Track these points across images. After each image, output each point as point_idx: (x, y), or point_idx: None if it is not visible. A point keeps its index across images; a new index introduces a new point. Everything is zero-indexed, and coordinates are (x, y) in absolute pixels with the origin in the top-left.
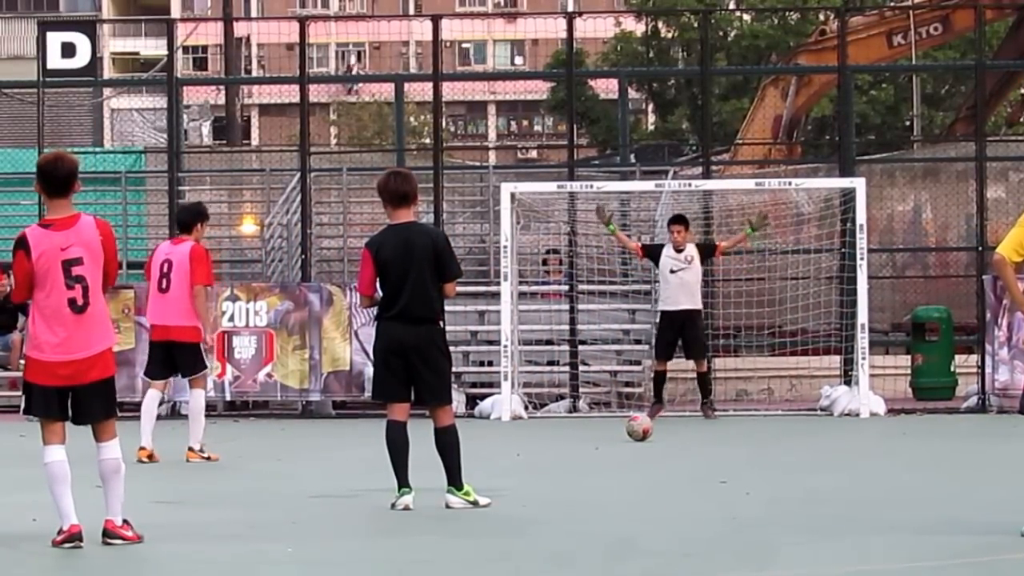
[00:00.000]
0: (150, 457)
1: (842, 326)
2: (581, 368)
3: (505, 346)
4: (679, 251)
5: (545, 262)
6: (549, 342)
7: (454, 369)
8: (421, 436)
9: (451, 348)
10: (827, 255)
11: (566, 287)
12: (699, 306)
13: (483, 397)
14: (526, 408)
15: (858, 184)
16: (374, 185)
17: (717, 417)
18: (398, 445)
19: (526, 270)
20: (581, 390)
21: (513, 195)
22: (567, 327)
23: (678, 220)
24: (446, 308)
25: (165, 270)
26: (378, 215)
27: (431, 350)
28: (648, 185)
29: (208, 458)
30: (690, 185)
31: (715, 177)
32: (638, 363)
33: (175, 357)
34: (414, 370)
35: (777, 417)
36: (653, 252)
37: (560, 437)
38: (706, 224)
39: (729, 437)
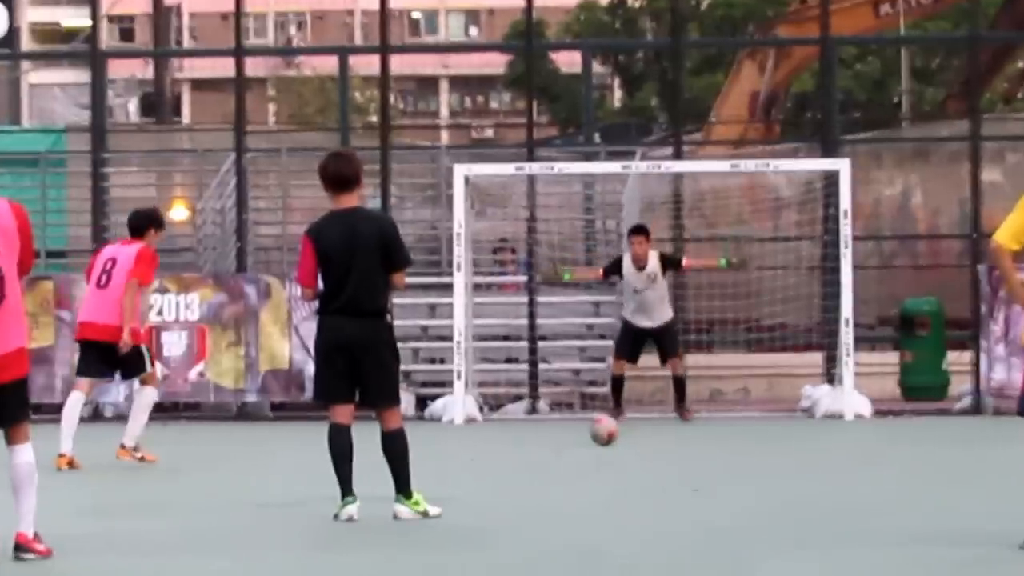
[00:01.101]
0: (70, 464)
1: (824, 320)
2: (541, 366)
3: (458, 342)
4: (641, 268)
5: (496, 251)
6: (506, 338)
7: (403, 367)
8: (367, 440)
9: (400, 344)
10: (808, 243)
11: (524, 277)
12: (668, 318)
13: (434, 398)
14: (481, 410)
15: (842, 166)
16: (316, 167)
17: (694, 418)
18: (342, 450)
19: (481, 259)
20: (541, 390)
21: (467, 178)
22: (525, 321)
23: (638, 231)
24: (394, 301)
25: (107, 267)
26: (320, 200)
27: (378, 346)
28: (614, 167)
29: (142, 459)
30: (659, 167)
31: (687, 158)
32: (603, 360)
33: (113, 358)
34: (359, 368)
35: (754, 420)
36: (614, 270)
37: (518, 441)
38: (676, 210)
39: (702, 441)
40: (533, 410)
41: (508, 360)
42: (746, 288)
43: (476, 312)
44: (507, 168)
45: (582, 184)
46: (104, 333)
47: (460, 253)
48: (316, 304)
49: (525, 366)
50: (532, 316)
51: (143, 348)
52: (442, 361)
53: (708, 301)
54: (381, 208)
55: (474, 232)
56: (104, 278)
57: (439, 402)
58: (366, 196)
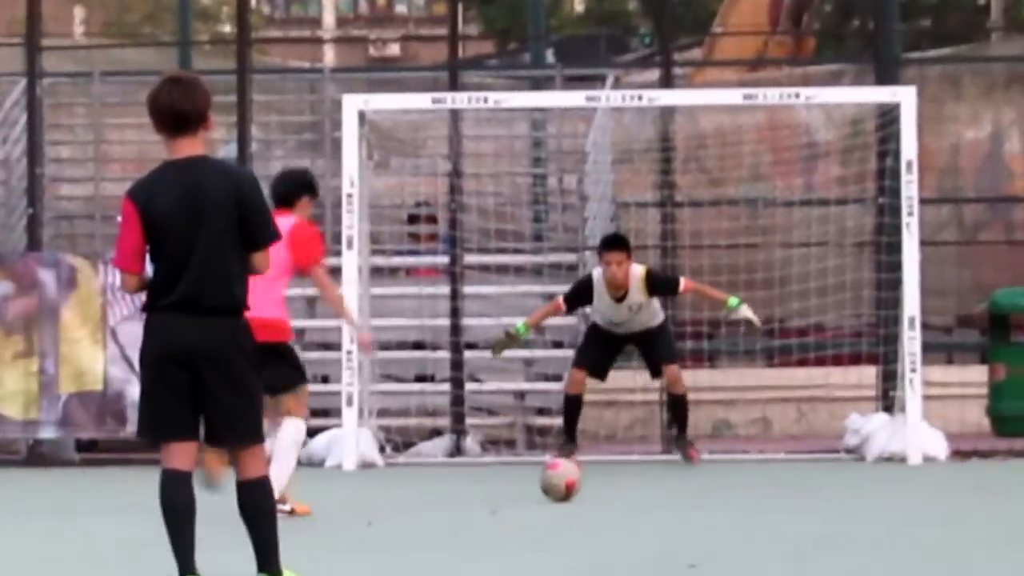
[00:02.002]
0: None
1: (879, 320)
2: (469, 386)
3: (349, 352)
4: (619, 299)
5: (413, 221)
6: (419, 346)
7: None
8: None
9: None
10: (856, 209)
11: (446, 259)
12: (658, 320)
13: (315, 433)
14: (382, 450)
15: (904, 97)
16: (143, 100)
17: (702, 461)
18: (180, 509)
19: (383, 232)
20: (469, 421)
21: (362, 115)
22: (447, 322)
23: (614, 245)
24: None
25: None
26: (150, 147)
27: (232, 359)
28: (575, 98)
29: (292, 511)
30: (640, 99)
31: (680, 86)
32: (558, 379)
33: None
34: (205, 391)
35: (777, 463)
36: (580, 299)
37: (437, 495)
38: (664, 162)
39: (701, 495)
40: (457, 450)
41: (422, 378)
42: (766, 274)
43: (376, 309)
44: (420, 100)
45: (529, 124)
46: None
47: (352, 223)
48: (143, 297)
49: (446, 387)
50: (457, 314)
51: (293, 349)
52: (326, 380)
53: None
54: (238, 159)
55: (373, 193)
56: None
57: (321, 439)
58: (217, 141)
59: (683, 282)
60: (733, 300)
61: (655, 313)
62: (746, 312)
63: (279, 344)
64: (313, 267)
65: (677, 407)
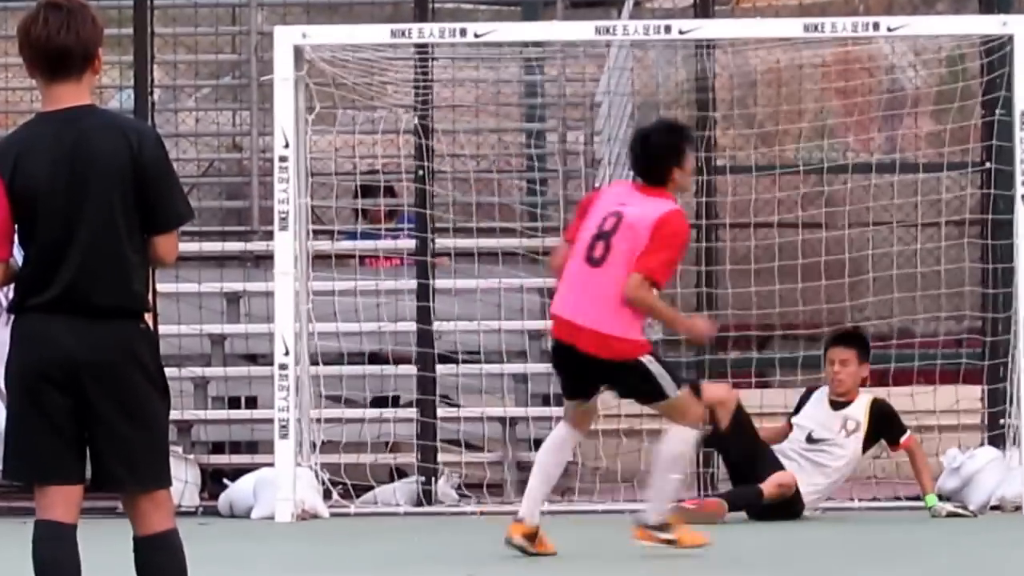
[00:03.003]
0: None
1: (985, 324)
2: (441, 411)
3: (284, 366)
4: (839, 406)
5: (366, 193)
6: (376, 358)
7: (175, 414)
8: (112, 549)
9: (170, 371)
10: (954, 176)
11: (411, 242)
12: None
13: (237, 474)
14: (328, 496)
15: (1018, 28)
16: (11, 32)
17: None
18: (57, 570)
19: (328, 209)
20: (441, 458)
21: (300, 52)
22: (413, 325)
23: (842, 341)
24: (159, 289)
25: (607, 228)
26: (20, 95)
27: (128, 376)
28: (582, 31)
29: (670, 542)
30: (669, 31)
31: (721, 14)
32: (559, 401)
33: (604, 378)
34: (92, 417)
35: (850, 515)
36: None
37: (399, 555)
38: (701, 118)
39: (752, 560)
40: (426, 496)
41: (380, 401)
42: (833, 261)
43: (320, 308)
44: (376, 33)
45: (520, 65)
46: (587, 340)
47: (288, 196)
48: (9, 294)
49: (411, 412)
50: (426, 316)
51: (649, 363)
52: (253, 403)
53: (761, 286)
54: (135, 111)
55: (315, 155)
56: (601, 248)
57: (246, 481)
58: (108, 88)
59: (906, 439)
60: (931, 499)
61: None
62: (949, 508)
63: (629, 362)
64: (644, 281)
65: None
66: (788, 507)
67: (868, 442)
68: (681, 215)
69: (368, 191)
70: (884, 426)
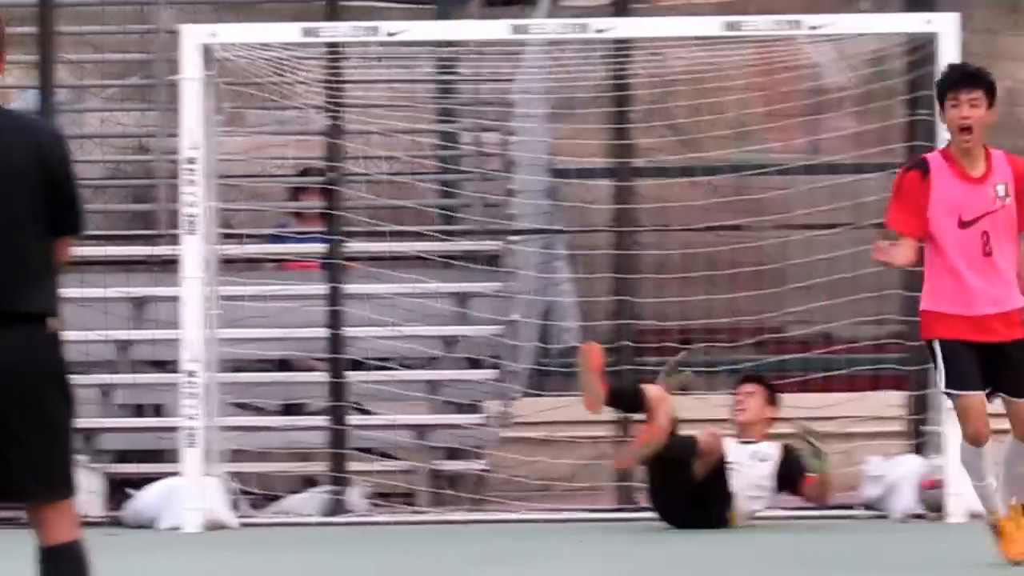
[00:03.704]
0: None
1: (909, 329)
2: (353, 419)
3: (192, 373)
4: (747, 441)
5: (298, 196)
6: (286, 364)
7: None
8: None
9: (75, 377)
10: (878, 178)
11: (322, 246)
12: None
13: (142, 482)
14: (235, 507)
15: (943, 26)
16: None
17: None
18: None
19: (238, 214)
20: (353, 467)
21: (209, 52)
22: (324, 332)
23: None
24: (64, 294)
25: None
26: None
27: (36, 382)
28: (497, 29)
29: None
30: (586, 29)
31: (640, 13)
32: (475, 408)
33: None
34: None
35: (770, 523)
36: None
37: (308, 567)
38: (617, 115)
39: (672, 570)
40: (338, 506)
41: (291, 410)
42: (755, 266)
43: (229, 315)
44: (287, 32)
45: (434, 65)
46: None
47: (196, 200)
48: None
49: (322, 420)
50: (336, 322)
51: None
52: (159, 411)
53: (685, 293)
54: (39, 111)
55: (223, 155)
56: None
57: (153, 491)
58: (9, 88)
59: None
60: (817, 462)
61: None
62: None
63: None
64: None
65: None
66: (714, 514)
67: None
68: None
69: (303, 192)
70: (791, 470)
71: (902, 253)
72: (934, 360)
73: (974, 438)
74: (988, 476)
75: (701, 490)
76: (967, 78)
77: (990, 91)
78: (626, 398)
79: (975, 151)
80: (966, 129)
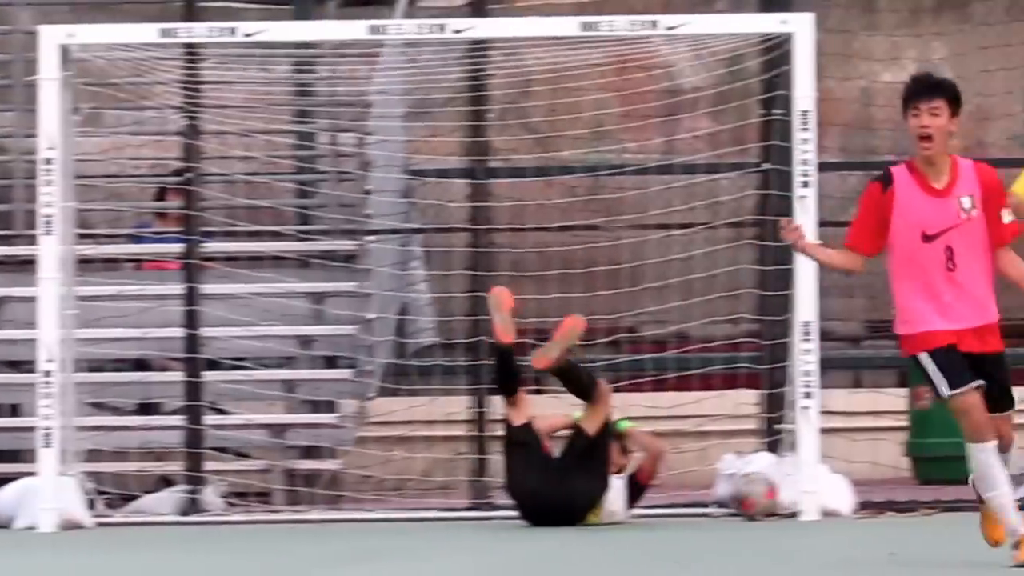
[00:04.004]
0: None
1: (763, 328)
2: (209, 419)
3: (48, 373)
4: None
5: (163, 196)
6: (142, 364)
7: None
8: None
9: None
10: (732, 178)
11: (178, 246)
12: None
13: (0, 482)
14: (92, 505)
15: (798, 26)
16: None
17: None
18: None
19: (96, 213)
20: (209, 466)
21: (66, 52)
22: (181, 332)
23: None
24: None
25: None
26: None
27: None
28: (354, 30)
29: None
30: (443, 30)
31: (496, 13)
32: (332, 407)
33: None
34: None
35: (630, 523)
36: None
37: (164, 567)
38: (475, 116)
39: (524, 569)
40: (193, 505)
41: (145, 408)
42: (611, 266)
43: (85, 315)
44: (144, 33)
45: (291, 65)
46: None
47: (53, 200)
48: None
49: (178, 420)
50: (193, 321)
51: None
52: (15, 411)
53: (535, 291)
54: None
55: (81, 155)
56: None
57: (8, 491)
58: None
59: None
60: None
61: None
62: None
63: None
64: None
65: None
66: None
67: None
68: None
69: (163, 195)
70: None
71: (833, 256)
72: (925, 375)
73: (980, 432)
74: (1002, 483)
75: (569, 471)
76: (928, 88)
77: (953, 100)
78: (574, 378)
79: (939, 162)
80: (926, 138)
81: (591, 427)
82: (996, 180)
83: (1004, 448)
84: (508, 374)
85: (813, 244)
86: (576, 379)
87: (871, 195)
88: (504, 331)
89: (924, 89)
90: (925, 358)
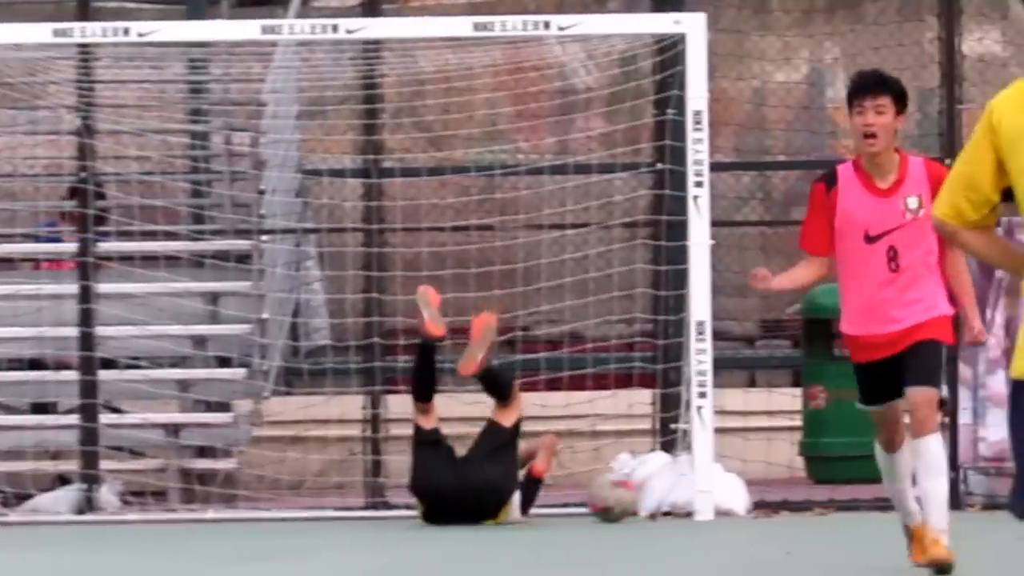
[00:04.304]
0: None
1: (657, 328)
2: (105, 418)
3: None
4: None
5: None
6: (37, 364)
7: None
8: None
9: None
10: (626, 178)
11: (72, 245)
12: None
13: None
14: None
15: (691, 27)
16: None
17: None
18: None
19: None
20: (104, 465)
21: None
22: (76, 331)
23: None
24: None
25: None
26: None
27: None
28: (247, 30)
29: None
30: (336, 30)
31: (389, 13)
32: (225, 408)
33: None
34: None
35: (525, 521)
36: None
37: (60, 566)
38: (369, 116)
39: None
40: (89, 504)
41: (40, 408)
42: (505, 265)
43: None
44: (38, 32)
45: (185, 65)
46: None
47: None
48: None
49: (73, 419)
50: (88, 319)
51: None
52: None
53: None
54: None
55: None
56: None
57: None
58: None
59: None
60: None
61: None
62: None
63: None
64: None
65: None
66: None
67: None
68: None
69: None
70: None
71: (798, 274)
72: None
73: (886, 445)
74: (902, 480)
75: (483, 465)
76: (873, 85)
77: (899, 98)
78: (497, 381)
79: (886, 161)
80: (870, 136)
81: (507, 421)
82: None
83: (919, 430)
84: (427, 377)
85: (780, 279)
86: (497, 381)
87: (816, 196)
88: (434, 325)
89: (869, 86)
90: (854, 365)
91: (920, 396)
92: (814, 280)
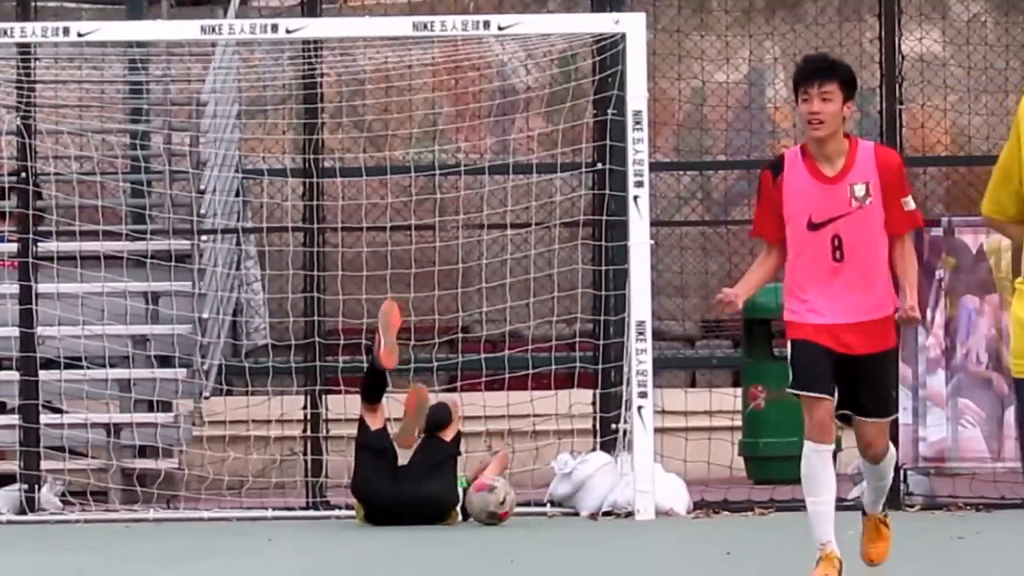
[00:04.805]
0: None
1: (597, 328)
2: (45, 418)
3: None
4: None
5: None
6: None
7: None
8: None
9: None
10: (566, 178)
11: (13, 245)
12: None
13: None
14: None
15: (630, 26)
16: None
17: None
18: None
19: None
20: (45, 465)
21: None
22: (16, 330)
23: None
24: None
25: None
26: None
27: None
28: (187, 29)
29: None
30: (275, 30)
31: (329, 13)
32: (167, 407)
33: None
34: None
35: (464, 523)
36: None
37: (3, 568)
38: (308, 116)
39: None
40: (29, 504)
41: None
42: (444, 266)
43: None
44: None
45: (125, 65)
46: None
47: None
48: None
49: (14, 419)
50: (30, 321)
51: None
52: None
53: (368, 288)
54: None
55: None
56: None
57: None
58: None
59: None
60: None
61: None
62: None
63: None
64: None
65: None
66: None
67: None
68: None
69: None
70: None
71: (757, 276)
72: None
73: (818, 432)
74: (827, 491)
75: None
76: (820, 71)
77: (846, 83)
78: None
79: (833, 147)
80: (814, 123)
81: (447, 436)
82: (897, 164)
83: (873, 458)
84: (377, 383)
85: (743, 289)
86: (437, 422)
87: (764, 183)
88: (388, 356)
89: (815, 72)
90: (788, 346)
91: (876, 428)
92: (774, 273)
